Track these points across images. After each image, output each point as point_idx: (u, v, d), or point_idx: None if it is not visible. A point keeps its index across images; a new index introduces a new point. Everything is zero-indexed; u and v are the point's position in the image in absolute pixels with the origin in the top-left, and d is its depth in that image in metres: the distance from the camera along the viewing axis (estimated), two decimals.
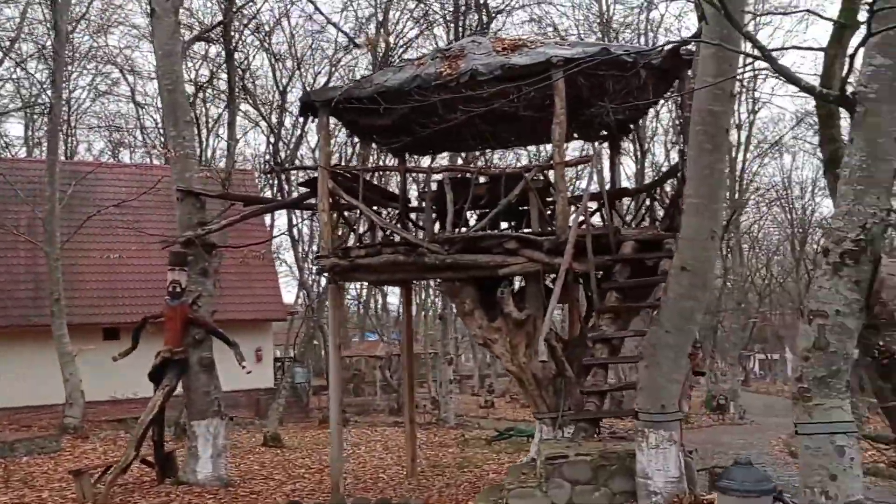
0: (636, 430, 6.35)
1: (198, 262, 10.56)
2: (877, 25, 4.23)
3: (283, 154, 24.21)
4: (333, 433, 9.82)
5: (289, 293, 45.78)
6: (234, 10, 18.14)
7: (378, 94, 9.46)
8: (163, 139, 35.77)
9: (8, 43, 21.55)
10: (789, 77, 4.52)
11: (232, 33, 18.50)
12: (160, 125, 36.45)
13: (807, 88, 4.64)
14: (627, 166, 27.05)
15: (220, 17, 18.82)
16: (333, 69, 25.64)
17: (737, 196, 30.94)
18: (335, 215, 10.30)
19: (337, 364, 10.36)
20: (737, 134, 30.33)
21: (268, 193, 30.51)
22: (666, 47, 9.16)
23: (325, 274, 10.57)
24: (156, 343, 10.48)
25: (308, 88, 24.41)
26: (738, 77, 6.00)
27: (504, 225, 10.80)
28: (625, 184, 18.00)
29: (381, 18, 23.07)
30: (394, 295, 42.90)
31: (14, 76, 26.40)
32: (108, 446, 15.14)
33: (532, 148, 22.74)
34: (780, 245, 45.00)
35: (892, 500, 9.06)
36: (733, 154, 30.16)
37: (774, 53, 4.49)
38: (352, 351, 35.01)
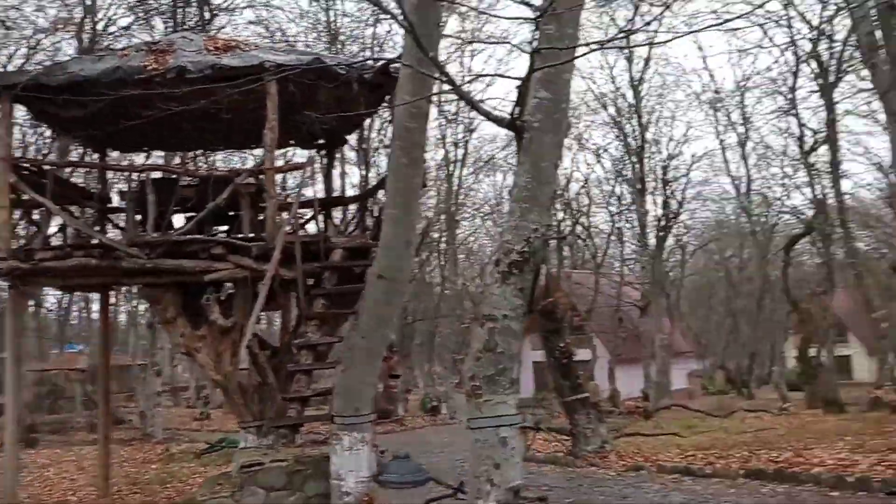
0: (332, 433, 6.50)
1: None
2: (541, 62, 4.79)
3: None
4: (8, 456, 8.79)
5: None
6: None
7: (74, 84, 8.69)
8: None
9: None
10: (469, 102, 4.96)
11: None
12: None
13: (482, 112, 5.12)
14: (354, 175, 27.68)
15: None
16: (32, 52, 23.05)
17: (453, 209, 32.95)
18: (19, 213, 9.26)
19: (15, 379, 9.28)
20: (454, 151, 32.31)
21: None
22: (378, 63, 9.52)
23: (3, 279, 9.42)
24: None
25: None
26: (443, 99, 6.42)
27: (224, 229, 10.45)
28: (351, 192, 18.36)
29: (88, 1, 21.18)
30: (98, 302, 39.48)
31: None
32: None
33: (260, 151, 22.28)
34: (493, 255, 48.65)
35: (565, 485, 10.18)
36: (451, 169, 32.13)
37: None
38: (50, 364, 31.68)
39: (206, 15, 21.30)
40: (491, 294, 5.19)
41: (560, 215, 32.07)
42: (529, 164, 5.14)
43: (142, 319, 35.71)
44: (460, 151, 33.09)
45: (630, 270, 37.09)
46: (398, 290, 6.45)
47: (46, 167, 9.37)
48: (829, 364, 27.10)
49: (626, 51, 25.92)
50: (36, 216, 9.63)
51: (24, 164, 9.41)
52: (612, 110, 29.71)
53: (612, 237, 36.71)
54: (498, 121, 5.15)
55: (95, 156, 12.70)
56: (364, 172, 25.57)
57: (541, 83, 5.07)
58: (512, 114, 5.11)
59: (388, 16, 4.45)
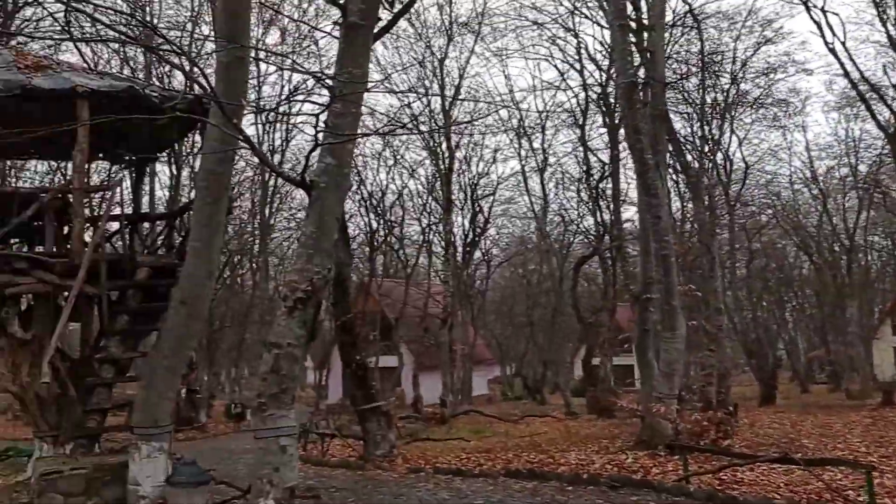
0: (131, 442, 7.15)
1: None
2: (324, 138, 5.85)
3: None
4: None
5: None
6: None
7: None
8: None
9: None
10: (267, 164, 5.91)
11: None
12: None
13: (278, 173, 6.11)
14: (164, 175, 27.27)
15: None
16: None
17: (267, 216, 33.19)
18: None
19: None
20: (271, 157, 32.53)
21: None
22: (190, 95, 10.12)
23: None
24: None
25: None
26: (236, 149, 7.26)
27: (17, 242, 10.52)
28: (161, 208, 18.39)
29: None
30: None
31: None
32: None
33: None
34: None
35: (351, 486, 11.24)
36: (265, 177, 32.27)
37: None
38: None
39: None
40: (278, 325, 6.17)
41: (374, 225, 33.32)
42: (316, 216, 6.18)
43: None
44: (276, 157, 33.39)
45: (440, 280, 39.03)
46: (199, 315, 7.23)
47: None
48: (606, 373, 30.37)
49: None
50: None
51: None
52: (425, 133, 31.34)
53: (423, 249, 38.48)
54: (291, 180, 6.11)
55: None
56: (174, 189, 25.49)
57: (327, 150, 6.14)
58: (303, 174, 6.12)
59: (199, 87, 5.13)
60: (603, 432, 18.64)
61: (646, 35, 15.17)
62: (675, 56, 24.17)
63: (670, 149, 18.45)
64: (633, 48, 13.69)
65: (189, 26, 24.90)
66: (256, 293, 36.30)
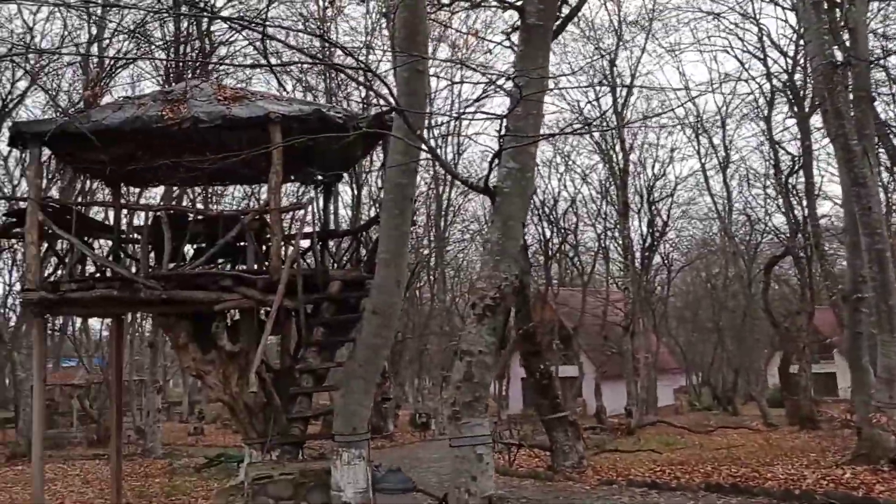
0: (333, 449, 7.41)
1: None
2: (508, 141, 5.77)
3: None
4: (36, 468, 9.66)
5: None
6: None
7: (97, 132, 9.60)
8: None
9: None
10: (449, 171, 5.93)
11: None
12: None
13: (461, 180, 6.09)
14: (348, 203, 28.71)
15: None
16: (35, 78, 24.04)
17: (442, 228, 33.90)
18: (44, 247, 10.15)
19: (41, 398, 10.16)
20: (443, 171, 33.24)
21: None
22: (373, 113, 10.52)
23: (32, 308, 10.31)
24: None
25: (4, 99, 22.79)
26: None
27: (222, 261, 11.35)
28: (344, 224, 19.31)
29: (94, 33, 22.15)
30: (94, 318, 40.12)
31: None
32: None
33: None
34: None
35: (541, 497, 11.09)
36: (439, 190, 33.08)
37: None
38: (47, 380, 32.24)
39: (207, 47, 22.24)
40: (468, 333, 6.14)
41: (547, 233, 33.05)
42: (500, 222, 6.11)
43: (136, 335, 36.46)
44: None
45: (618, 287, 38.03)
46: (390, 324, 7.37)
47: (69, 206, 10.19)
48: (807, 382, 28.08)
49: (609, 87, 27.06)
50: (60, 249, 10.56)
51: (51, 203, 10.26)
52: (596, 135, 30.71)
53: (599, 256, 37.71)
54: (474, 187, 6.11)
55: (108, 190, 13.64)
56: (355, 206, 26.84)
57: (510, 155, 6.05)
58: (485, 181, 6.08)
59: (384, 101, 5.28)
60: (809, 445, 17.24)
61: (838, 12, 13.95)
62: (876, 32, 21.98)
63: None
64: (828, 27, 12.58)
65: (364, 51, 26.06)
66: (435, 304, 37.17)
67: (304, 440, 8.64)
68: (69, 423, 29.37)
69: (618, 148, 30.43)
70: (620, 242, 32.58)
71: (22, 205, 10.47)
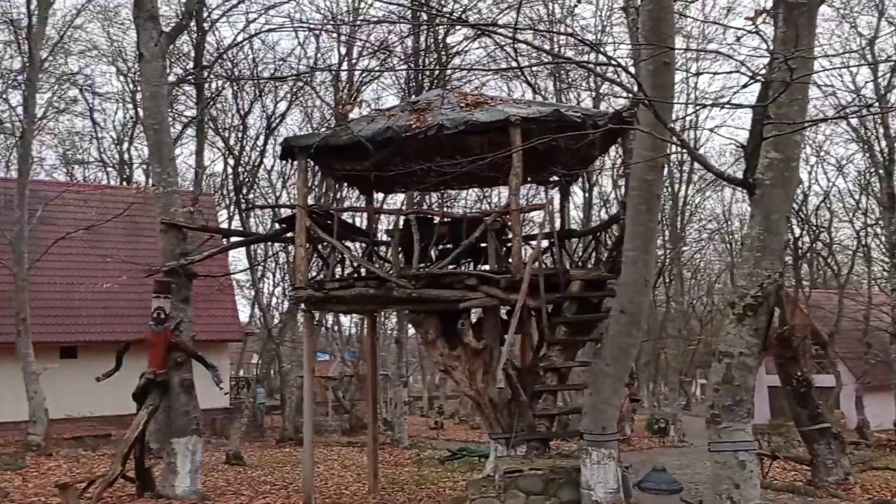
0: (581, 448, 7.41)
1: (180, 291, 11.32)
2: (769, 130, 5.41)
3: (241, 176, 24.99)
4: (306, 451, 10.68)
5: (241, 313, 45.94)
6: (216, 56, 19.06)
7: (355, 142, 10.42)
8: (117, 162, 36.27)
9: None
10: (704, 164, 5.68)
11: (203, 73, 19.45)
12: (117, 142, 36.99)
13: (716, 173, 5.81)
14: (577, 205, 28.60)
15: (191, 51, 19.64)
16: (294, 98, 26.67)
17: (678, 228, 32.57)
18: (310, 249, 11.20)
19: (310, 388, 11.24)
20: (678, 170, 31.99)
21: (223, 214, 31.34)
22: (611, 110, 10.37)
23: (302, 305, 11.44)
24: (136, 365, 11.16)
25: (269, 114, 25.56)
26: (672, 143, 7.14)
27: (465, 261, 11.82)
28: (574, 224, 19.29)
29: (343, 52, 24.09)
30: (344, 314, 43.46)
31: None
32: (71, 463, 15.58)
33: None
34: (720, 273, 47.02)
35: None
36: (676, 188, 31.88)
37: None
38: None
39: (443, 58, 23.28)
40: (727, 333, 5.84)
41: (797, 231, 30.55)
42: (761, 217, 5.74)
43: (382, 333, 38.98)
44: (685, 168, 32.69)
45: (882, 290, 34.19)
46: (638, 323, 7.21)
47: (331, 212, 11.14)
48: None
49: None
50: (322, 251, 11.61)
51: (315, 210, 11.30)
52: (854, 121, 27.81)
53: (858, 255, 34.17)
54: (731, 180, 5.79)
55: (362, 197, 14.76)
56: (587, 206, 26.62)
57: (771, 144, 5.67)
58: (745, 174, 5.75)
59: (629, 94, 5.20)
60: None
61: None
62: None
63: None
64: None
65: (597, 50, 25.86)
66: (671, 308, 35.84)
67: (550, 437, 8.72)
68: (325, 413, 32.16)
69: (880, 133, 27.33)
70: (884, 239, 29.23)
71: (286, 212, 11.69)
